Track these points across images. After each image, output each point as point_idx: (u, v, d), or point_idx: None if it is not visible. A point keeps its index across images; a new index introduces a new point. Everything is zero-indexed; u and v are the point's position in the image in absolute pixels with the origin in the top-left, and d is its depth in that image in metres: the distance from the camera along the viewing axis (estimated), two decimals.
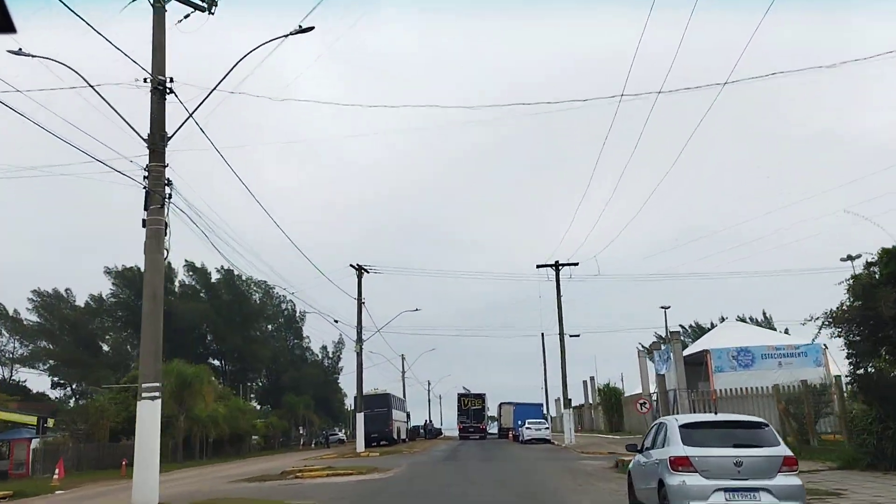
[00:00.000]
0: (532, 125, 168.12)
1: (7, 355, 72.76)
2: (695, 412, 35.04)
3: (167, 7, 14.31)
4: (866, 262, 18.00)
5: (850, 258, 44.86)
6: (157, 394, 13.04)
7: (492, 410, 77.67)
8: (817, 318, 18.38)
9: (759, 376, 34.99)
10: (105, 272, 73.11)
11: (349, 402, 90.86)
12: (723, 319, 66.13)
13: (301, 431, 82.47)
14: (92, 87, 13.17)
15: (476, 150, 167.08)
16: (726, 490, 9.25)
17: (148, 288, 13.47)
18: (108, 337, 75.88)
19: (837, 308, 17.81)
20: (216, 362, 78.45)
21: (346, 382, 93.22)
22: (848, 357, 18.10)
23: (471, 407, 66.52)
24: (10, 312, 70.90)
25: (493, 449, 41.49)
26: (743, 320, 64.08)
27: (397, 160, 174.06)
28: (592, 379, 71.43)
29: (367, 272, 42.35)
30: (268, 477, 24.98)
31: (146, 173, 13.83)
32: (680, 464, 9.50)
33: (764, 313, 77.74)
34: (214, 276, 76.72)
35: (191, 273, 75.94)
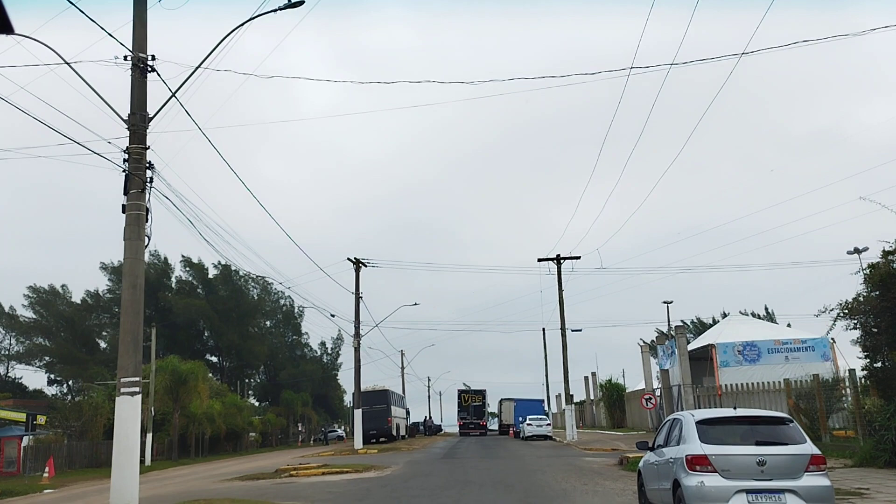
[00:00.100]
0: (534, 123, 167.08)
1: (3, 352, 72.19)
2: (700, 408, 34.35)
3: None
4: (883, 250, 17.20)
5: (856, 251, 44.19)
6: (136, 389, 12.26)
7: (492, 407, 77.14)
8: (832, 310, 17.64)
9: (766, 371, 34.29)
10: (101, 268, 72.39)
11: (348, 399, 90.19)
12: (725, 315, 65.35)
13: (300, 428, 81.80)
14: (68, 63, 12.40)
15: (478, 148, 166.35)
16: (749, 492, 8.48)
17: (128, 276, 12.69)
18: (104, 333, 75.19)
19: (853, 299, 17.05)
20: (213, 359, 77.89)
21: (345, 379, 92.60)
22: (864, 350, 17.34)
23: (471, 403, 66.11)
24: (6, 309, 70.30)
25: (493, 446, 40.75)
26: (745, 315, 63.26)
27: (397, 159, 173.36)
28: (594, 375, 70.78)
29: (365, 266, 41.58)
30: (262, 475, 24.24)
31: (126, 156, 13.04)
32: (698, 463, 8.72)
33: (766, 308, 76.97)
34: (212, 272, 76.10)
35: (188, 269, 75.31)
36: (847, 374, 20.48)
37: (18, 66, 12.81)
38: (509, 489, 17.27)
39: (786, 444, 8.81)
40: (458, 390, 69.33)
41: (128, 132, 13.12)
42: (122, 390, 12.24)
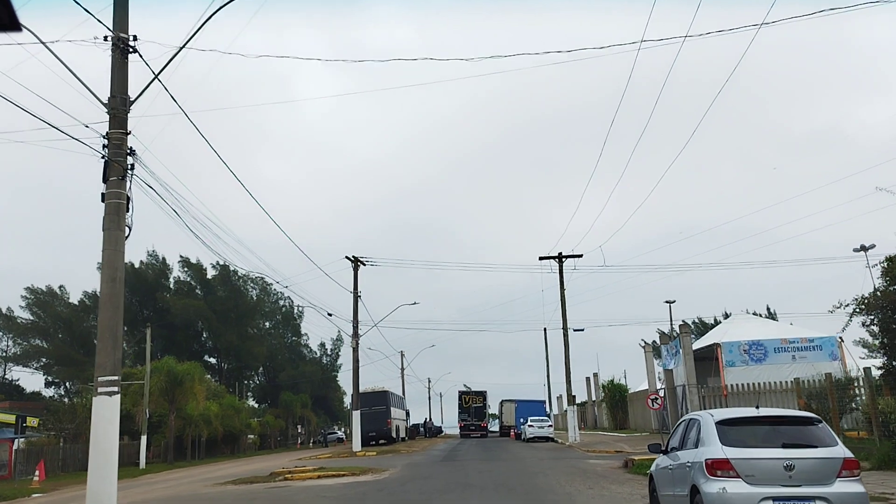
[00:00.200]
0: (534, 123, 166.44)
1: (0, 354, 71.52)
2: (705, 409, 33.60)
3: None
4: None
5: (863, 248, 43.51)
6: (115, 389, 11.53)
7: (493, 408, 76.42)
8: (847, 305, 16.87)
9: (772, 371, 33.57)
10: (98, 268, 71.48)
11: (348, 401, 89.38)
12: (726, 315, 64.64)
13: (299, 430, 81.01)
14: (43, 43, 11.66)
15: (478, 148, 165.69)
16: (776, 499, 7.73)
17: (106, 269, 11.96)
18: None
19: (870, 294, 16.29)
20: (212, 360, 77.13)
21: (345, 380, 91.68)
22: (882, 347, 16.58)
23: (472, 405, 65.42)
24: (4, 310, 69.65)
25: (494, 448, 39.99)
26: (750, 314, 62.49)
27: (397, 159, 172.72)
28: (596, 375, 70.03)
29: (364, 264, 40.83)
30: (256, 479, 23.50)
31: (106, 141, 12.32)
32: (719, 467, 7.97)
33: (768, 308, 76.21)
34: (210, 273, 75.35)
35: (186, 269, 74.58)
36: (862, 372, 19.72)
37: None
38: (511, 493, 16.54)
39: (815, 447, 8.05)
40: (459, 392, 68.70)
41: (108, 116, 12.40)
42: (100, 390, 11.51)
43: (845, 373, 28.38)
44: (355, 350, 40.94)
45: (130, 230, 12.32)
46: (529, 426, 46.54)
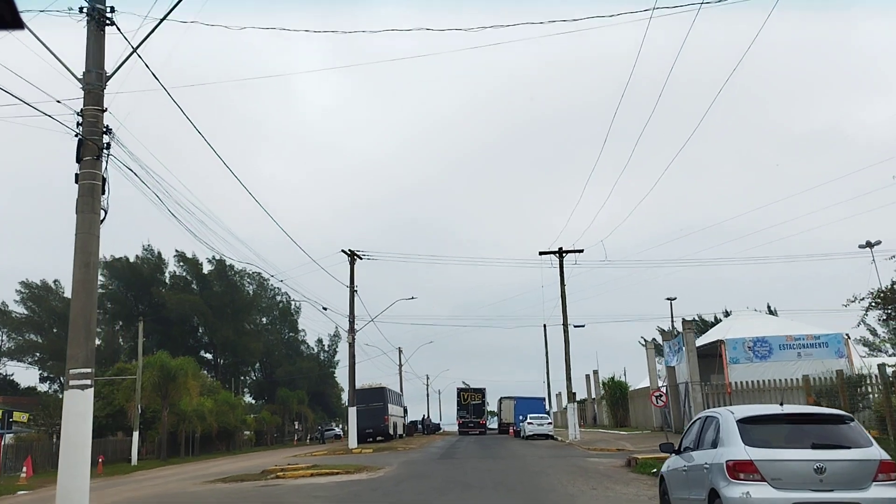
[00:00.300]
0: (535, 121, 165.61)
1: None
2: (708, 407, 32.88)
3: None
4: None
5: (868, 245, 42.82)
6: (88, 382, 10.77)
7: (492, 405, 75.76)
8: (862, 299, 16.13)
9: (777, 368, 32.90)
10: None
11: (345, 397, 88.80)
12: (727, 313, 63.93)
13: (296, 427, 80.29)
14: (13, 13, 10.84)
15: (478, 148, 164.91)
16: None
17: (80, 254, 11.20)
18: (99, 330, 73.72)
19: (888, 287, 15.55)
20: (208, 355, 76.39)
21: (343, 376, 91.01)
22: None
23: (470, 402, 64.95)
24: None
25: (493, 445, 39.28)
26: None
27: (397, 159, 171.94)
28: (596, 373, 69.28)
29: (360, 258, 40.06)
30: (247, 476, 22.77)
31: (80, 119, 11.55)
32: (741, 470, 7.20)
33: (769, 306, 75.50)
34: (206, 268, 74.61)
35: (181, 264, 73.83)
36: (875, 369, 18.99)
37: None
38: (511, 493, 15.82)
39: (848, 448, 7.29)
40: (458, 388, 68.19)
41: (82, 92, 11.62)
42: (72, 383, 10.76)
43: (853, 370, 27.72)
44: (351, 345, 40.22)
45: (106, 213, 11.58)
46: (529, 423, 45.83)
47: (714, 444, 7.94)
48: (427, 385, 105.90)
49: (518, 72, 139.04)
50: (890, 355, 53.40)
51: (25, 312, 70.04)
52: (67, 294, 71.11)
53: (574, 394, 42.23)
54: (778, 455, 7.22)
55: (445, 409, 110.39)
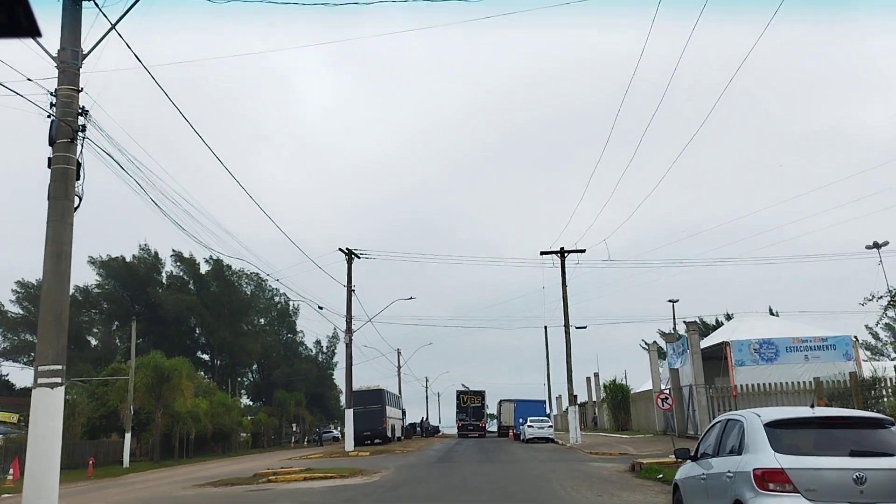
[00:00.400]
0: (536, 120, 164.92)
1: None
2: (717, 411, 32.14)
3: None
4: None
5: (876, 245, 42.11)
6: (58, 380, 10.02)
7: (491, 408, 75.07)
8: (880, 297, 15.39)
9: (784, 371, 32.18)
10: (89, 262, 70.05)
11: (344, 399, 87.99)
12: (729, 316, 63.16)
13: (294, 429, 79.50)
14: None
15: (479, 148, 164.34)
16: None
17: (51, 243, 10.45)
18: (94, 330, 72.99)
19: None
20: (205, 356, 75.61)
21: (341, 378, 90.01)
22: None
23: (470, 404, 64.27)
24: None
25: (492, 449, 38.51)
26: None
27: (397, 159, 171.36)
28: (596, 375, 68.54)
29: (358, 257, 39.31)
30: (237, 480, 21.99)
31: (53, 99, 10.82)
32: (771, 479, 6.44)
33: (770, 308, 74.76)
34: (203, 268, 73.83)
35: (178, 264, 73.05)
36: (893, 371, 18.26)
37: None
38: (511, 500, 15.10)
39: (891, 455, 6.52)
40: (457, 391, 67.54)
41: (57, 70, 10.89)
42: (40, 381, 9.99)
43: (861, 373, 27.00)
44: (348, 346, 39.45)
45: (81, 200, 10.83)
46: (529, 426, 45.09)
47: (738, 451, 7.17)
48: (426, 387, 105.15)
49: (518, 72, 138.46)
50: (892, 359, 52.72)
51: (21, 312, 69.22)
52: None
53: (575, 396, 41.48)
54: (812, 463, 6.46)
55: (445, 411, 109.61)
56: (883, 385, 19.44)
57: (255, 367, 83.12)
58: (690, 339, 33.78)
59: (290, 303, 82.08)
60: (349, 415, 39.72)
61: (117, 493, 21.22)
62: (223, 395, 57.75)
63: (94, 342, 72.15)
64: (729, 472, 7.12)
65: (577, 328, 43.96)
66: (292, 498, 16.49)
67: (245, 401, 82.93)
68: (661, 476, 17.64)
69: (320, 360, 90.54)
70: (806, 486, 6.33)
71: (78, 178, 10.77)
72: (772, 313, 70.36)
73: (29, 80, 10.52)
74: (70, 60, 10.93)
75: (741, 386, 31.85)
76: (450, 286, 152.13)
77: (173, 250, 72.09)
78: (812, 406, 7.49)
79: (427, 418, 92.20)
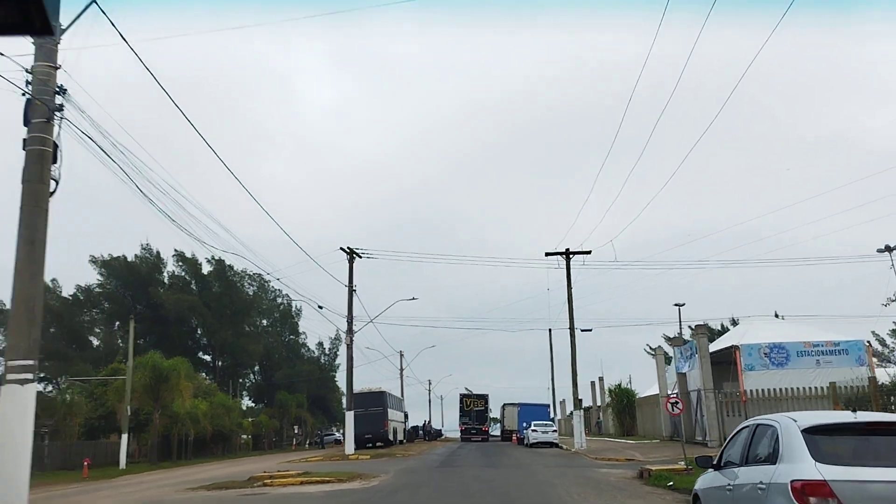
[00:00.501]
0: (537, 121, 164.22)
1: None
2: (726, 416, 31.33)
3: None
4: None
5: (887, 249, 41.35)
6: (29, 376, 9.33)
7: (495, 412, 74.34)
8: None
9: (795, 376, 31.35)
10: (90, 261, 69.49)
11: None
12: (734, 321, 62.24)
13: (296, 431, 78.79)
14: None
15: (479, 148, 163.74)
16: None
17: (25, 229, 9.77)
18: (97, 330, 72.38)
19: None
20: (206, 357, 74.95)
21: (344, 380, 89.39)
22: None
23: (473, 408, 63.72)
24: None
25: (495, 453, 37.73)
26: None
27: (398, 159, 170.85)
28: (601, 379, 67.66)
29: (360, 257, 38.59)
30: (232, 484, 21.28)
31: (29, 77, 10.13)
32: (813, 493, 5.68)
33: (776, 314, 73.78)
34: (206, 268, 73.18)
35: (180, 263, 72.40)
36: None
37: None
38: None
39: None
40: (460, 394, 67.00)
41: (33, 46, 10.22)
42: (10, 377, 9.30)
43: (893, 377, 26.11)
44: (349, 347, 38.74)
45: (58, 184, 10.15)
46: (533, 431, 44.31)
47: (771, 460, 6.41)
48: (429, 390, 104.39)
49: (520, 72, 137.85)
50: None
51: None
52: (65, 293, 69.90)
53: (580, 400, 40.70)
54: (859, 475, 5.70)
55: (448, 415, 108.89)
56: None
57: (256, 368, 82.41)
58: (699, 343, 32.97)
59: (293, 304, 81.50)
60: (349, 417, 39.00)
61: (106, 497, 20.51)
62: (224, 396, 57.06)
63: (95, 342, 71.56)
64: (761, 483, 6.36)
65: (582, 331, 43.20)
66: None
67: (247, 402, 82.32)
68: (671, 484, 16.91)
69: (323, 361, 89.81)
70: (853, 502, 5.57)
71: (55, 161, 10.09)
72: (777, 317, 69.52)
73: (2, 54, 9.83)
74: (46, 35, 10.24)
75: (751, 391, 31.06)
76: (453, 288, 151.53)
77: (175, 250, 71.58)
78: (854, 410, 6.73)
79: (430, 421, 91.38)
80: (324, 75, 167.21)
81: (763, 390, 30.81)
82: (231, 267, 71.98)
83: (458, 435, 68.39)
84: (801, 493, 5.71)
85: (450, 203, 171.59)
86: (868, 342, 32.60)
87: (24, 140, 10.02)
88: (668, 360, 44.34)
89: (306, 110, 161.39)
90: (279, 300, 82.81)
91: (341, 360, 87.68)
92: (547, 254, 40.51)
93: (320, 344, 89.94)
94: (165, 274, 73.01)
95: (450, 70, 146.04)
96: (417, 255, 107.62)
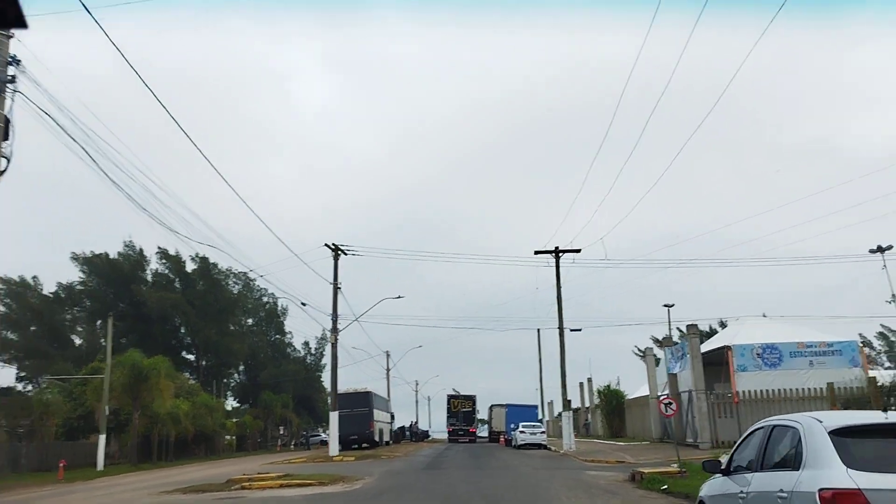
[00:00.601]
0: (535, 121, 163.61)
1: None
2: (718, 417, 30.76)
3: None
4: None
5: (880, 249, 41.04)
6: None
7: (482, 413, 73.78)
8: None
9: (787, 377, 30.88)
10: (72, 258, 68.24)
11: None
12: (723, 324, 61.79)
13: (281, 431, 77.78)
14: None
15: (478, 148, 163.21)
16: None
17: None
18: (79, 329, 71.13)
19: None
20: (190, 356, 73.81)
21: (329, 380, 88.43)
22: None
23: (461, 409, 63.22)
24: None
25: (483, 455, 37.03)
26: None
27: (395, 159, 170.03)
28: (590, 380, 67.07)
29: (345, 254, 37.80)
30: (209, 487, 20.47)
31: None
32: (844, 502, 5.03)
33: (764, 315, 73.50)
34: (189, 266, 72.04)
35: (164, 261, 71.18)
36: None
37: None
38: None
39: None
40: (448, 395, 66.46)
41: None
42: None
43: (862, 380, 25.67)
44: (334, 346, 37.93)
45: (9, 162, 9.32)
46: (521, 432, 43.67)
47: (793, 465, 5.71)
48: (416, 391, 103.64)
49: (519, 72, 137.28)
50: (886, 368, 51.51)
51: (2, 310, 67.38)
52: (47, 290, 68.64)
53: (569, 401, 40.06)
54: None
55: (435, 416, 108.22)
56: None
57: (241, 367, 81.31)
58: (691, 343, 32.38)
59: (279, 303, 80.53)
60: (334, 418, 38.20)
61: (75, 500, 19.64)
62: (207, 396, 56.02)
63: (77, 341, 70.37)
64: (781, 491, 5.66)
65: (571, 331, 42.55)
66: None
67: (231, 402, 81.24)
68: (665, 487, 16.30)
69: (308, 361, 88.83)
70: None
71: (6, 138, 9.28)
72: (766, 318, 69.16)
73: None
74: None
75: (743, 392, 30.54)
76: (443, 287, 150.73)
77: (159, 247, 70.36)
78: (885, 410, 6.04)
79: (416, 422, 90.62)
80: (321, 75, 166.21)
81: (756, 391, 30.30)
82: (216, 265, 70.94)
83: (445, 436, 67.77)
84: (831, 503, 5.01)
85: (449, 203, 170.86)
86: (861, 343, 32.12)
87: None
88: (656, 361, 43.78)
89: (305, 110, 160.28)
90: (265, 299, 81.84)
91: (328, 359, 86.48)
92: (536, 252, 39.85)
93: (306, 343, 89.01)
94: (149, 272, 71.83)
95: (449, 70, 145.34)
96: (404, 253, 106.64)
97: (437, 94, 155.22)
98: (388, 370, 74.51)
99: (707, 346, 35.33)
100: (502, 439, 55.31)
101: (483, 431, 71.99)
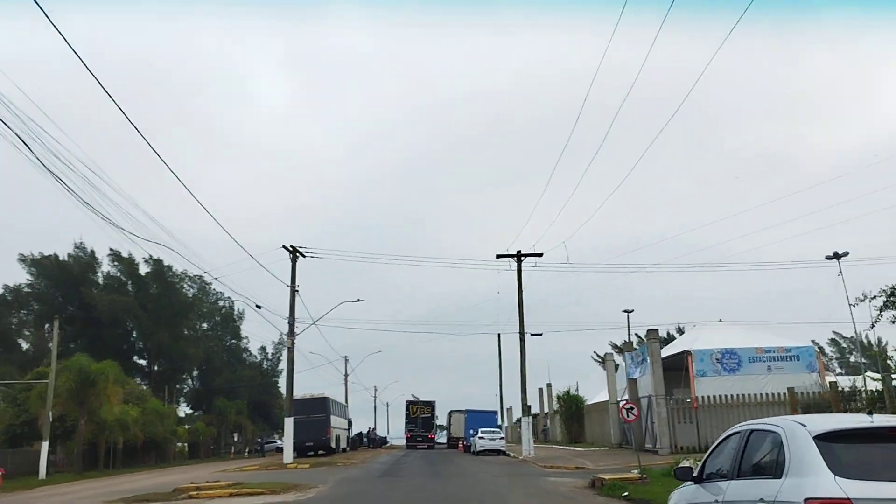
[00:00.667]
0: (495, 126, 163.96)
1: None
2: (677, 423, 30.67)
3: None
4: None
5: (836, 256, 41.46)
6: None
7: (441, 419, 73.26)
8: (874, 297, 13.88)
9: (745, 382, 30.95)
10: (20, 260, 65.93)
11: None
12: (680, 331, 62.24)
13: (236, 438, 76.14)
14: None
15: (439, 150, 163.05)
16: None
17: None
18: (26, 333, 68.72)
19: None
20: (141, 361, 71.85)
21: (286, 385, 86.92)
22: None
23: (420, 415, 62.55)
24: None
25: (442, 462, 36.45)
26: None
27: (354, 158, 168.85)
28: (549, 386, 66.97)
29: (303, 256, 36.96)
30: (154, 496, 19.54)
31: None
32: None
33: (720, 321, 74.34)
34: (143, 269, 70.10)
35: (116, 263, 69.15)
36: (876, 384, 16.82)
37: None
38: None
39: None
40: (406, 401, 65.79)
41: None
42: None
43: (825, 386, 25.83)
44: (290, 350, 37.07)
45: None
46: (480, 438, 43.23)
47: (774, 472, 5.27)
48: (374, 397, 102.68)
49: (480, 73, 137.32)
50: (838, 374, 52.30)
51: None
52: None
53: (529, 407, 39.74)
54: (889, 492, 4.62)
55: (394, 422, 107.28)
56: (864, 397, 18.02)
57: (195, 373, 79.42)
58: (651, 348, 32.30)
59: (235, 306, 78.93)
60: (289, 424, 37.29)
61: None
62: (157, 402, 54.42)
63: (25, 345, 68.03)
64: (762, 500, 5.21)
65: (532, 335, 42.30)
66: None
67: (184, 409, 79.28)
68: (626, 494, 15.95)
69: (265, 366, 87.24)
70: None
71: None
72: (724, 323, 69.88)
73: None
74: None
75: (703, 397, 30.52)
76: (403, 291, 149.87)
77: (111, 249, 68.28)
78: (869, 413, 5.66)
79: (375, 428, 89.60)
80: (278, 74, 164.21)
81: (715, 396, 30.30)
82: (170, 268, 69.16)
83: (403, 442, 67.06)
84: None
85: (410, 205, 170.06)
86: (819, 348, 32.37)
87: None
88: (616, 367, 43.73)
89: (262, 109, 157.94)
90: (221, 303, 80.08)
91: (285, 365, 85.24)
92: (498, 256, 39.52)
93: (263, 349, 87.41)
94: (100, 274, 69.74)
95: (411, 70, 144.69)
96: (363, 256, 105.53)
97: (398, 95, 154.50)
98: (346, 375, 73.57)
99: (667, 352, 35.28)
100: (461, 445, 54.84)
101: (442, 438, 71.45)
